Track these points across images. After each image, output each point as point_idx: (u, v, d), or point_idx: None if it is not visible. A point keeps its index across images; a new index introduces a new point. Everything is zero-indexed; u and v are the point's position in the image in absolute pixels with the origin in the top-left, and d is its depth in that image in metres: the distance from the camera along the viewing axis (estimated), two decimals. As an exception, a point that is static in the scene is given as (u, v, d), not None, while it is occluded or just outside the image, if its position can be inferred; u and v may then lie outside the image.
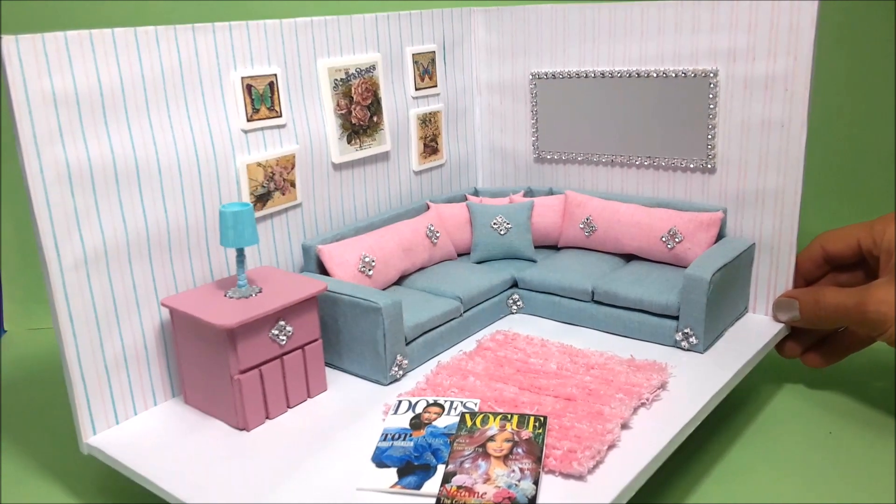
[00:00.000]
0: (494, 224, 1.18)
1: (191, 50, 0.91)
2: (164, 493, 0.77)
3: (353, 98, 1.09)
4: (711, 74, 1.07)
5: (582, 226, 1.17)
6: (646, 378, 0.90)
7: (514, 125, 1.29)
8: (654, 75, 1.12)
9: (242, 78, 0.95)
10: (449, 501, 0.71)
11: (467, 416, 0.82)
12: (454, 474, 0.74)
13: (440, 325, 1.02)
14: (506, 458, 0.75)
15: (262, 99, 0.98)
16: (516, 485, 0.72)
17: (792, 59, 1.01)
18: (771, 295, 1.09)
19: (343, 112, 1.08)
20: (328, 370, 0.98)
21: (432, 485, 0.73)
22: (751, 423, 1.01)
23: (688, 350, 0.99)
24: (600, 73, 1.16)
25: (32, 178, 0.79)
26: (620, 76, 1.15)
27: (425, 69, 1.20)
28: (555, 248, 1.23)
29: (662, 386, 0.90)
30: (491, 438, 0.78)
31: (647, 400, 0.86)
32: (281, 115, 1.00)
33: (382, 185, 1.18)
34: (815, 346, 1.09)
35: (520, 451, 0.76)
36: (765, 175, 1.06)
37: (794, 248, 1.07)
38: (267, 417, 0.88)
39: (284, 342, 0.88)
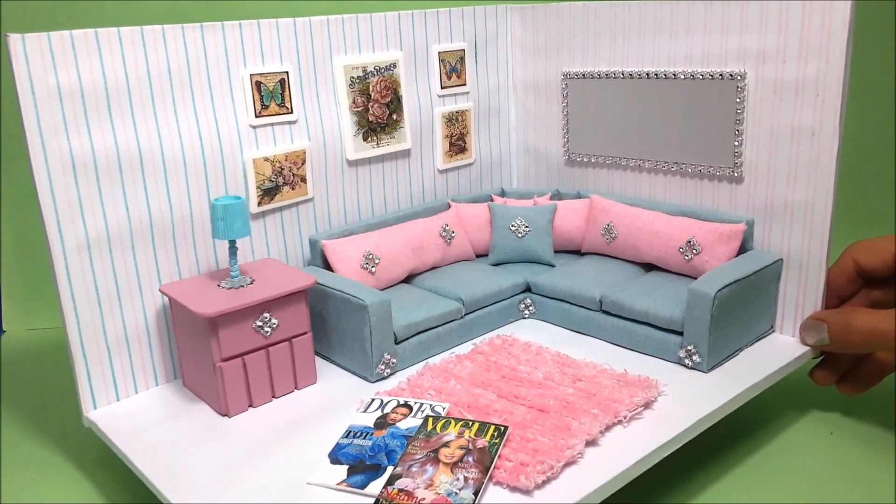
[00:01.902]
0: (513, 226, 1.16)
1: (199, 48, 0.94)
2: (134, 468, 0.81)
3: (370, 96, 1.10)
4: (739, 77, 1.00)
5: (603, 232, 1.13)
6: (629, 394, 0.86)
7: (547, 126, 1.26)
8: (682, 77, 1.06)
9: (251, 75, 0.98)
10: (386, 503, 0.71)
11: (430, 420, 0.82)
12: (399, 477, 0.74)
13: (437, 326, 1.01)
14: (454, 466, 0.74)
15: (271, 95, 1.00)
16: (456, 493, 0.71)
17: (824, 63, 0.93)
18: (799, 314, 1.02)
19: (359, 109, 1.09)
20: (323, 362, 1.00)
21: (377, 486, 0.73)
22: (756, 451, 0.95)
23: (691, 368, 0.94)
24: (629, 74, 1.12)
25: (37, 166, 0.84)
26: (648, 77, 1.10)
27: (452, 67, 1.20)
28: (578, 253, 1.19)
29: (647, 404, 0.86)
30: (445, 444, 0.77)
31: (625, 417, 0.83)
32: (292, 112, 1.02)
33: (403, 183, 1.18)
34: (848, 372, 1.01)
35: (470, 459, 0.75)
36: (794, 186, 0.99)
37: (823, 265, 0.99)
38: (250, 406, 0.91)
39: (269, 334, 0.91)
